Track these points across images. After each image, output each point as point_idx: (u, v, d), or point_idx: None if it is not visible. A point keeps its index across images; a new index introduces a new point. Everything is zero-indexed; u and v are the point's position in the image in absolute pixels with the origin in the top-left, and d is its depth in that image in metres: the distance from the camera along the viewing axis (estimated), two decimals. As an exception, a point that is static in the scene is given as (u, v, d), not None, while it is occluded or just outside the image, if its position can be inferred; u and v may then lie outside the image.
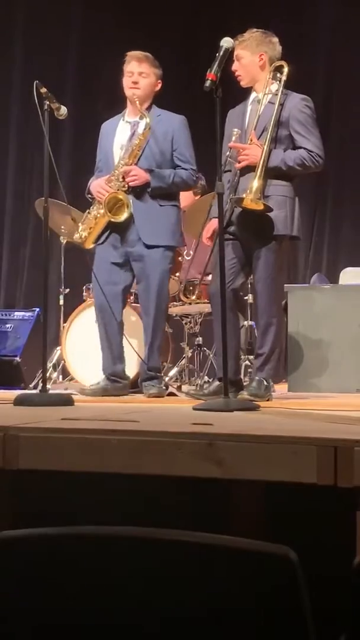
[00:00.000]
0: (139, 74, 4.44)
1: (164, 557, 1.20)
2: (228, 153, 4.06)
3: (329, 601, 1.55)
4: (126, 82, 4.48)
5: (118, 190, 4.35)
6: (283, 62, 4.11)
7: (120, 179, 4.37)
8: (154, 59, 4.52)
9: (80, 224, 4.55)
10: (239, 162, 4.04)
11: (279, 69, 4.11)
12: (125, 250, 4.42)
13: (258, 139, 4.02)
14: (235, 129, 4.13)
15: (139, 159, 4.42)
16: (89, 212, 4.50)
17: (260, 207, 3.92)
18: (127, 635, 1.23)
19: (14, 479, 2.31)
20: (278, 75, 4.10)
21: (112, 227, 4.41)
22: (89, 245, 4.51)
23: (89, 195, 4.53)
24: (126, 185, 4.36)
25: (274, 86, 4.11)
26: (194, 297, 5.21)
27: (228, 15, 7.33)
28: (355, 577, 1.24)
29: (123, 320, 4.51)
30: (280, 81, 4.08)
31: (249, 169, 4.01)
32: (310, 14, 7.68)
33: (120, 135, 4.51)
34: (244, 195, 3.92)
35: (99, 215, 4.42)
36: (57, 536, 1.25)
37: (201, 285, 5.30)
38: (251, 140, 4.03)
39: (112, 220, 4.35)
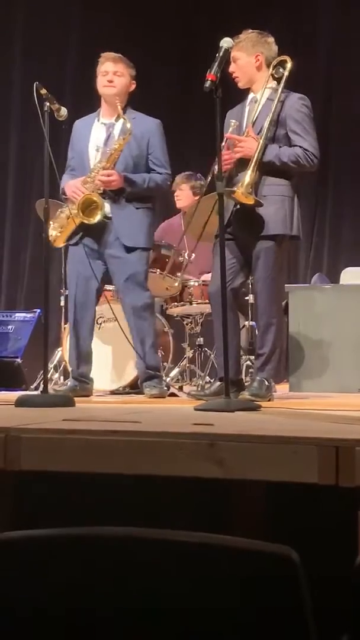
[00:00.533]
0: (114, 73, 4.46)
1: (165, 558, 1.20)
2: (224, 144, 4.03)
3: (330, 601, 1.55)
4: (101, 81, 4.49)
5: (93, 192, 4.36)
6: (287, 57, 4.11)
7: (97, 181, 4.38)
8: (128, 60, 4.53)
9: (51, 223, 4.56)
10: (235, 153, 4.04)
11: (281, 64, 4.11)
12: (101, 252, 4.44)
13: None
14: (233, 120, 4.13)
15: (115, 162, 4.43)
16: (61, 212, 4.51)
17: (251, 201, 3.92)
18: (127, 635, 1.23)
19: (16, 480, 2.32)
20: (280, 70, 4.10)
21: (87, 229, 4.41)
22: (60, 244, 4.54)
23: (64, 195, 4.53)
24: (101, 188, 4.37)
25: (274, 84, 4.12)
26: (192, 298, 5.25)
27: (228, 15, 7.33)
28: (356, 577, 1.24)
29: (108, 320, 4.56)
30: (282, 77, 4.08)
31: (244, 162, 4.00)
32: (310, 13, 7.68)
33: (96, 136, 4.51)
34: (236, 188, 3.90)
35: (71, 215, 4.42)
36: (58, 537, 1.25)
37: (202, 286, 5.31)
38: (247, 133, 4.03)
39: (85, 221, 4.36)
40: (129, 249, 4.38)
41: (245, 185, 3.91)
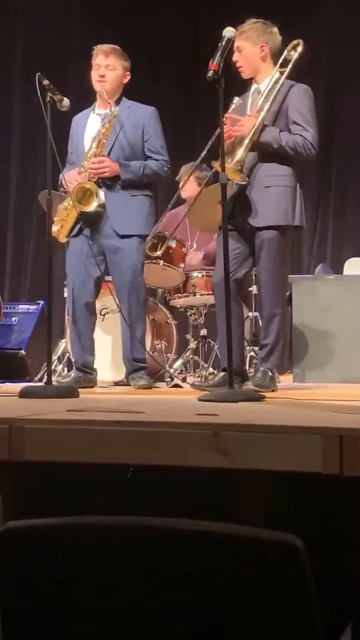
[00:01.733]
0: (105, 66, 4.47)
1: (169, 546, 1.20)
2: (225, 120, 3.98)
3: (335, 590, 1.55)
4: (94, 75, 4.51)
5: (88, 180, 4.36)
6: (300, 41, 4.09)
7: (89, 170, 4.38)
8: (122, 52, 4.53)
9: (55, 218, 4.57)
10: (233, 132, 4.02)
11: (295, 48, 4.09)
12: (100, 242, 4.44)
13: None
14: (237, 97, 4.12)
15: (110, 151, 4.42)
16: (61, 206, 4.52)
17: (237, 178, 3.89)
18: (132, 623, 1.23)
19: (20, 471, 2.32)
20: (292, 53, 4.08)
21: (85, 220, 4.42)
22: (63, 238, 4.53)
23: (62, 188, 4.53)
24: (95, 176, 4.36)
25: (277, 74, 4.11)
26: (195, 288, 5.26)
27: (229, 4, 7.30)
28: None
29: (112, 311, 4.56)
30: (291, 60, 4.06)
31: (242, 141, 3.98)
32: (311, 2, 7.65)
33: (91, 127, 4.54)
34: (225, 165, 3.84)
35: (69, 207, 4.42)
36: (62, 526, 1.25)
37: (205, 277, 5.31)
38: (250, 114, 4.02)
39: (82, 210, 4.35)
40: (124, 238, 4.38)
41: (235, 161, 3.89)
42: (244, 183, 3.96)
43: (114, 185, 4.41)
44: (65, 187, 4.45)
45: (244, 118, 4.00)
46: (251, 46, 4.11)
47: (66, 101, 3.84)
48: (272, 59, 4.15)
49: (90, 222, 4.43)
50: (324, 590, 1.30)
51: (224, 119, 3.97)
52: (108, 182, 4.41)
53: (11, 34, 8.03)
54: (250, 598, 1.19)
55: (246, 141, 3.93)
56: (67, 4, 8.06)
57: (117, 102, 4.50)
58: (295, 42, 4.11)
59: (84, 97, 7.47)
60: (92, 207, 4.34)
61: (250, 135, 3.93)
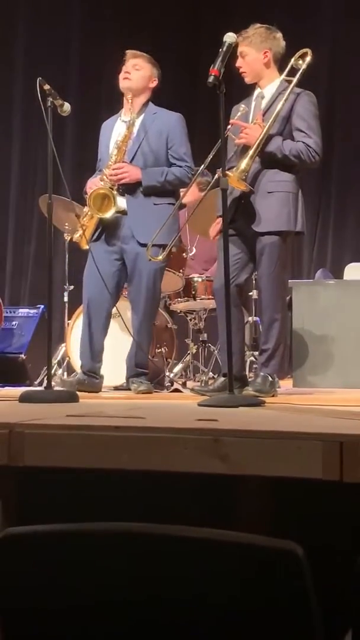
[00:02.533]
0: (132, 66, 4.46)
1: (169, 553, 1.20)
2: (229, 128, 3.98)
3: (335, 597, 1.55)
4: (120, 76, 4.49)
5: (111, 187, 4.36)
6: (307, 50, 4.08)
7: (110, 177, 4.38)
8: (151, 58, 4.53)
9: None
10: (239, 139, 4.03)
11: (302, 57, 4.09)
12: (119, 247, 4.43)
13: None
14: (243, 105, 4.13)
15: (133, 158, 4.41)
16: (83, 211, 4.52)
17: (242, 186, 3.91)
18: (133, 629, 1.23)
19: (20, 476, 2.32)
20: (300, 62, 4.08)
21: (106, 225, 4.41)
22: (85, 245, 4.52)
23: (85, 195, 4.54)
24: (115, 183, 4.37)
25: (277, 80, 4.11)
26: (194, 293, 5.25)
27: (230, 10, 7.31)
28: (361, 573, 1.24)
29: (112, 316, 4.55)
30: (300, 69, 4.06)
31: (247, 150, 3.99)
32: (312, 6, 7.66)
33: (117, 134, 4.52)
34: (230, 173, 3.85)
35: (89, 213, 4.43)
36: (63, 532, 1.25)
37: (205, 282, 5.31)
38: (256, 121, 4.02)
39: (99, 216, 4.35)
40: (144, 245, 4.36)
41: (239, 170, 3.90)
42: (249, 192, 3.96)
43: (135, 192, 4.39)
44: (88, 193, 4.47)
45: (250, 126, 4.00)
46: (254, 52, 4.11)
47: (67, 106, 3.84)
48: (275, 64, 4.15)
49: (110, 227, 4.42)
50: (325, 597, 1.30)
51: (229, 125, 3.99)
52: (130, 188, 4.39)
53: (11, 34, 8.03)
54: (251, 605, 1.19)
55: (251, 151, 3.94)
56: (67, 5, 8.06)
57: (144, 106, 4.50)
58: (303, 50, 4.09)
59: (84, 97, 7.54)
60: (110, 213, 4.33)
61: (255, 144, 3.94)
